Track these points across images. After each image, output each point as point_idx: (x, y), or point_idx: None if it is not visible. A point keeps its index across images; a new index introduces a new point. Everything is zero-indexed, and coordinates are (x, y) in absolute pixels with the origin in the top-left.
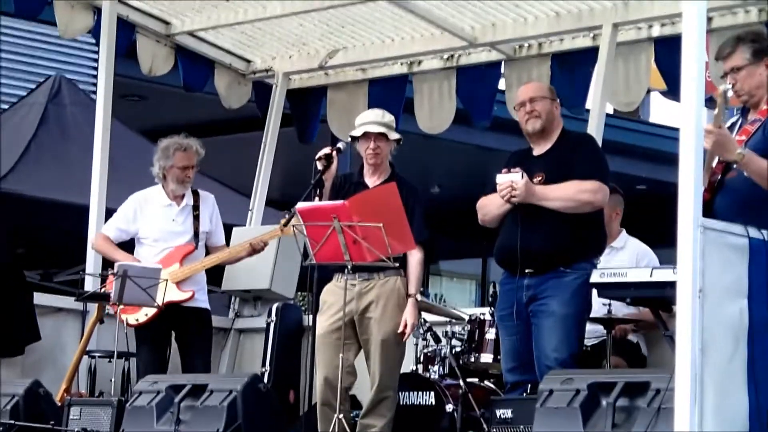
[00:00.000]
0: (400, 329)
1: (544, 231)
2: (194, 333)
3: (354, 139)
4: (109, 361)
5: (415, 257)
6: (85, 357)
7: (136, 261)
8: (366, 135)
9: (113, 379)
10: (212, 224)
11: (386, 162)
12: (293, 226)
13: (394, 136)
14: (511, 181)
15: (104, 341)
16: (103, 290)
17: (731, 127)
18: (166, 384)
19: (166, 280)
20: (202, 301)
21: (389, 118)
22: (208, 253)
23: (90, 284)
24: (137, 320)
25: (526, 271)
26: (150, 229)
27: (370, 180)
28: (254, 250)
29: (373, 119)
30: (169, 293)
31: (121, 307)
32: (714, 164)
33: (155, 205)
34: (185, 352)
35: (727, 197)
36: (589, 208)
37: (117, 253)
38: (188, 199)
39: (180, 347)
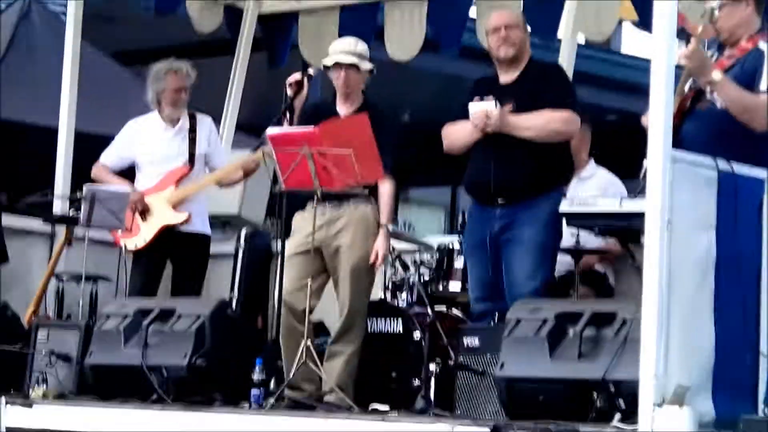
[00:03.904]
0: (371, 259)
1: (516, 160)
2: (189, 259)
3: (326, 66)
4: (77, 284)
5: (386, 187)
6: (53, 280)
7: (129, 185)
8: (337, 65)
9: (81, 302)
10: (210, 146)
11: (358, 91)
12: (263, 152)
13: (366, 66)
14: (485, 109)
15: (72, 264)
16: (71, 213)
17: None
18: (134, 308)
19: (135, 203)
20: (202, 225)
21: (362, 47)
22: None
23: (58, 207)
24: (136, 245)
25: (498, 200)
26: (146, 154)
27: (342, 108)
28: (247, 171)
29: (344, 48)
30: (164, 216)
31: (120, 232)
32: (686, 90)
33: (151, 130)
34: (177, 277)
35: (696, 125)
36: (561, 138)
37: (115, 181)
38: (184, 122)
39: (174, 272)
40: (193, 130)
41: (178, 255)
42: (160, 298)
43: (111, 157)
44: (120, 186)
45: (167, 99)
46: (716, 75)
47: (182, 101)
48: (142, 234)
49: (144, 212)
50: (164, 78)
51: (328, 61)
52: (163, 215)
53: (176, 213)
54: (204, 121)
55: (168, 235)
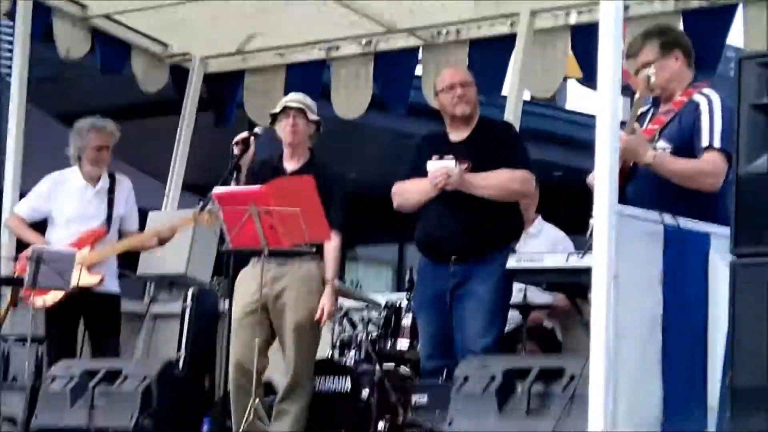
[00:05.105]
0: (317, 315)
1: (470, 218)
2: (102, 319)
3: (273, 121)
4: (23, 345)
5: (331, 243)
6: None
7: (47, 243)
8: (285, 113)
9: (27, 364)
10: (126, 209)
11: (305, 144)
12: (209, 211)
13: (313, 116)
14: (446, 168)
15: (17, 325)
16: (16, 274)
17: (643, 116)
18: (81, 369)
19: (81, 264)
20: (112, 286)
21: (310, 102)
22: (121, 238)
23: (3, 268)
24: (44, 302)
25: (452, 258)
26: (63, 209)
27: (289, 164)
28: (162, 239)
29: (293, 98)
30: (79, 277)
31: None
32: None
33: (70, 186)
34: (94, 338)
35: (640, 185)
36: (518, 197)
37: (29, 234)
38: (104, 182)
39: (89, 333)
40: (112, 191)
41: (90, 315)
42: (107, 360)
43: (26, 209)
44: (66, 247)
45: (88, 157)
46: (650, 157)
47: (104, 160)
48: (52, 292)
49: None
50: (87, 135)
51: (277, 109)
52: (77, 275)
53: (90, 274)
54: (123, 183)
55: (79, 295)
